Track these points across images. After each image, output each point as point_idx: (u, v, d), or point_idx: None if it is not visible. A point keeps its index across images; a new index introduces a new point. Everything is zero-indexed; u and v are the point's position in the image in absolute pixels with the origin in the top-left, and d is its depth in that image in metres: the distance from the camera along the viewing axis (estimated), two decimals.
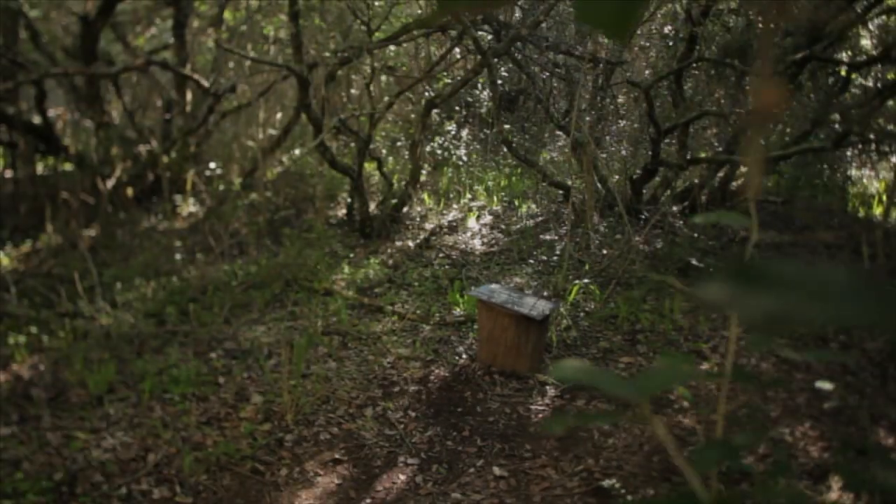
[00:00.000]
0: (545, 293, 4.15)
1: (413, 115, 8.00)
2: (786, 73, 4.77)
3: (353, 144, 6.61)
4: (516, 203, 6.52)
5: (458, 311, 4.07)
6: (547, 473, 2.65)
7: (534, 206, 6.36)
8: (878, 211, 7.27)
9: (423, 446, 2.79)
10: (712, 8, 5.46)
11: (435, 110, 5.91)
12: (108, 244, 4.70)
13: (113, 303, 3.65)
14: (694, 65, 5.58)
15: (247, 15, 5.46)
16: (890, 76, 5.65)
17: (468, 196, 6.72)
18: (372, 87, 5.37)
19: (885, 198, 7.57)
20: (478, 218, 6.15)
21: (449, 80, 7.02)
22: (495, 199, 6.68)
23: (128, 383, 3.00)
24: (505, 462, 2.72)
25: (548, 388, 3.29)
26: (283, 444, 2.69)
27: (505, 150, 8.21)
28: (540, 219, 5.99)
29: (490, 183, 7.06)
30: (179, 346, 3.42)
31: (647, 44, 6.64)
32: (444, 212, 6.41)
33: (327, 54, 4.68)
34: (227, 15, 7.01)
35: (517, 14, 5.94)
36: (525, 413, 3.08)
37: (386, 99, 5.95)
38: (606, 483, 2.41)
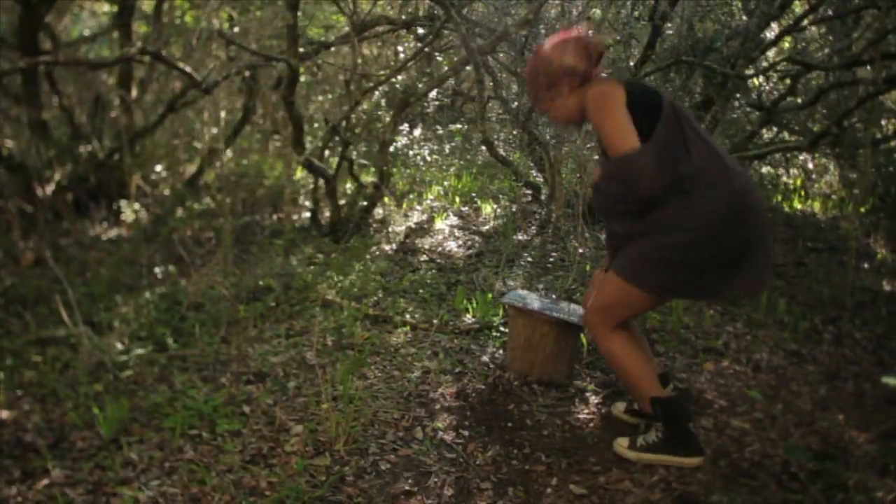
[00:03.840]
0: (553, 295, 4.04)
1: (354, 117, 7.69)
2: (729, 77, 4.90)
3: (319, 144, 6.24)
4: (479, 203, 6.40)
5: (468, 318, 3.88)
6: (626, 487, 2.53)
7: (496, 206, 6.26)
8: (798, 206, 7.75)
9: (489, 468, 2.59)
10: (674, 8, 5.57)
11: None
12: (57, 257, 4.13)
13: (93, 325, 3.18)
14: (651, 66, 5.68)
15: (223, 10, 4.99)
16: None
17: (430, 197, 6.52)
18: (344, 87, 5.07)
19: (803, 193, 8.12)
20: (444, 219, 5.97)
21: (389, 80, 6.78)
22: (457, 199, 6.53)
23: (142, 421, 2.59)
24: (579, 478, 2.58)
25: (588, 394, 3.18)
26: (344, 480, 2.40)
27: (448, 149, 8.09)
28: (502, 220, 5.88)
29: (446, 183, 6.90)
30: (179, 371, 3.02)
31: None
32: (408, 213, 6.19)
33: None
34: (148, 8, 6.44)
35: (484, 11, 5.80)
36: (576, 423, 2.95)
37: (353, 88, 5.64)
38: (714, 498, 2.32)
